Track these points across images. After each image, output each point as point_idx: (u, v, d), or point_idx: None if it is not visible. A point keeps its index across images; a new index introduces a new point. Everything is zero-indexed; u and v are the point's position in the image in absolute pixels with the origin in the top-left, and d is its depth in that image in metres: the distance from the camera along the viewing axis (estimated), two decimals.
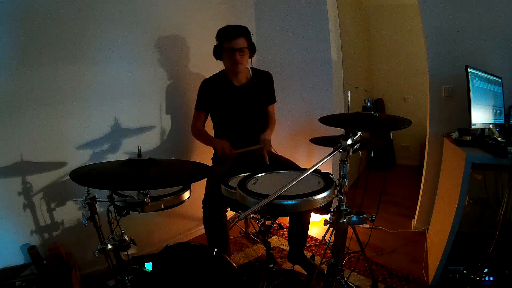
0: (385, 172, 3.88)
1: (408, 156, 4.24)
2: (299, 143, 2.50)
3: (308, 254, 1.85)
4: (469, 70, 1.61)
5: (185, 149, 2.23)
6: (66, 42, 1.61)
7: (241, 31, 1.71)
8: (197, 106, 1.85)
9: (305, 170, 0.97)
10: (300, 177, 0.90)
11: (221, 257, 1.16)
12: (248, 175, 1.30)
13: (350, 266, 1.84)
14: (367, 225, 1.75)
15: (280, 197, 0.95)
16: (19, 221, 1.56)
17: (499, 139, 1.46)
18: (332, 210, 1.18)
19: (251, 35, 1.76)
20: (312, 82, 2.43)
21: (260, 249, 2.10)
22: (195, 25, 2.17)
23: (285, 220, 2.35)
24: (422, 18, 2.03)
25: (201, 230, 2.33)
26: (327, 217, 1.20)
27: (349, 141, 1.05)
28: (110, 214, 1.13)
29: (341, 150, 1.06)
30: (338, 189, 1.15)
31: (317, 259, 1.86)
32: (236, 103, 1.81)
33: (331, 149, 1.05)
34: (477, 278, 1.45)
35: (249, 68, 1.88)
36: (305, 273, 1.75)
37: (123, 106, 1.87)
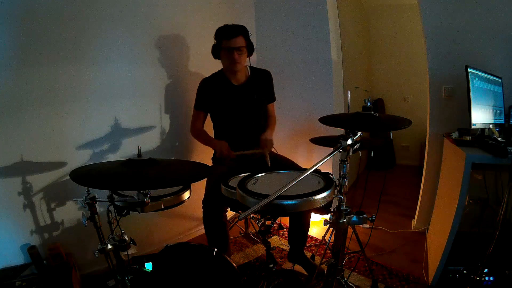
0: (385, 172, 3.88)
1: (408, 156, 4.24)
2: (299, 143, 2.50)
3: (308, 254, 1.85)
4: (469, 70, 1.61)
5: (185, 149, 2.23)
6: (66, 42, 1.61)
7: (240, 30, 1.71)
8: (196, 105, 1.85)
9: (305, 170, 0.97)
10: (300, 177, 0.90)
11: (221, 257, 1.16)
12: (248, 175, 1.30)
13: (350, 266, 1.84)
14: (367, 225, 1.76)
15: (280, 197, 0.95)
16: (19, 221, 1.56)
17: (499, 139, 1.46)
18: (332, 210, 1.18)
19: (250, 34, 1.76)
20: (312, 82, 2.43)
21: (260, 249, 2.10)
22: (195, 25, 2.17)
23: (285, 220, 2.36)
24: (422, 18, 2.03)
25: (201, 230, 2.33)
26: (327, 217, 1.20)
27: (349, 141, 1.05)
28: (110, 214, 1.13)
29: (341, 150, 1.06)
30: (338, 189, 1.14)
31: (317, 259, 1.86)
32: (234, 102, 1.81)
33: (331, 149, 1.05)
34: (477, 278, 1.45)
35: (248, 67, 1.88)
36: (305, 273, 1.75)
37: (123, 106, 1.87)
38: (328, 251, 1.60)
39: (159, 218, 2.08)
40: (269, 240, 1.49)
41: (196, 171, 1.13)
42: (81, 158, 1.72)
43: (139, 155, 1.09)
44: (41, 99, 1.57)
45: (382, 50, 4.21)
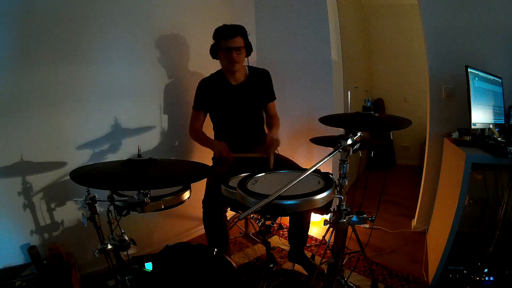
0: (385, 172, 3.88)
1: (408, 156, 4.24)
2: (299, 143, 2.50)
3: (308, 254, 1.85)
4: (469, 70, 1.61)
5: (185, 149, 2.23)
6: (66, 42, 1.61)
7: (238, 30, 1.71)
8: (195, 106, 1.85)
9: (305, 170, 0.97)
10: (300, 177, 0.90)
11: (221, 257, 1.16)
12: (248, 175, 1.30)
13: (350, 266, 1.84)
14: (367, 225, 1.75)
15: (280, 197, 0.95)
16: (19, 221, 1.56)
17: (499, 139, 1.46)
18: (332, 210, 1.18)
19: (248, 34, 1.76)
20: (312, 82, 2.43)
21: (260, 249, 2.10)
22: (195, 25, 2.17)
23: (285, 220, 2.36)
24: (422, 18, 2.03)
25: (201, 230, 2.33)
26: (327, 217, 1.20)
27: (349, 141, 1.05)
28: (110, 214, 1.13)
29: (341, 150, 1.06)
30: (338, 189, 1.14)
31: (317, 259, 1.86)
32: (233, 102, 1.81)
33: (331, 149, 1.05)
34: (477, 278, 1.45)
35: (246, 67, 1.88)
36: (305, 273, 1.75)
37: (123, 106, 1.87)
38: (328, 251, 1.60)
39: (159, 218, 2.08)
40: (269, 240, 1.49)
41: (196, 171, 1.13)
42: (81, 158, 1.72)
43: (139, 155, 1.09)
44: (41, 99, 1.57)
45: (382, 50, 4.21)
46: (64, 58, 1.62)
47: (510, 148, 1.29)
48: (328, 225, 1.19)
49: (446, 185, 1.83)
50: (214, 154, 1.80)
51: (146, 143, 1.99)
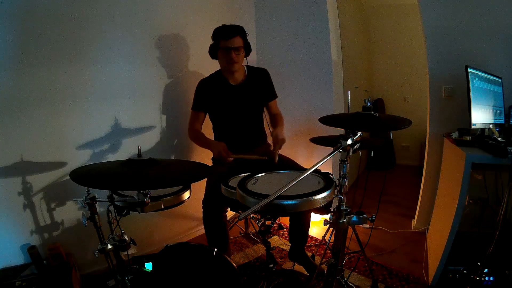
0: (385, 172, 3.88)
1: (408, 156, 4.24)
2: (299, 143, 2.50)
3: (308, 254, 1.85)
4: (469, 70, 1.61)
5: (185, 149, 2.23)
6: (66, 42, 1.61)
7: (237, 30, 1.71)
8: (194, 106, 1.84)
9: (305, 170, 0.97)
10: (300, 177, 0.90)
11: (221, 257, 1.16)
12: (248, 175, 1.30)
13: (350, 266, 1.84)
14: (367, 225, 1.75)
15: (280, 197, 0.95)
16: (19, 221, 1.56)
17: (499, 139, 1.46)
18: (332, 210, 1.18)
19: (247, 34, 1.76)
20: (312, 82, 2.43)
21: (260, 249, 2.10)
22: (195, 25, 2.17)
23: (285, 220, 2.36)
24: (422, 18, 2.03)
25: (201, 230, 2.33)
26: (327, 217, 1.20)
27: (349, 141, 1.05)
28: (110, 214, 1.13)
29: (341, 150, 1.06)
30: (338, 189, 1.14)
31: (317, 259, 1.86)
32: (232, 102, 1.81)
33: (331, 149, 1.05)
34: (477, 278, 1.45)
35: (245, 67, 1.88)
36: (305, 273, 1.75)
37: (123, 106, 1.87)
38: (328, 251, 1.60)
39: (159, 218, 2.08)
40: (269, 240, 1.49)
41: (196, 171, 1.13)
42: (81, 158, 1.72)
43: (139, 155, 1.09)
44: (41, 99, 1.57)
45: (382, 50, 4.21)
46: (64, 58, 1.62)
47: (510, 148, 1.29)
48: (328, 225, 1.19)
49: (446, 185, 1.83)
50: (213, 155, 1.80)
51: (146, 143, 1.99)
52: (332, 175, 1.22)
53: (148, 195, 1.02)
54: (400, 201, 2.90)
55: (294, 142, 2.52)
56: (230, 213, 1.91)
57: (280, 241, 2.20)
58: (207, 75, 1.87)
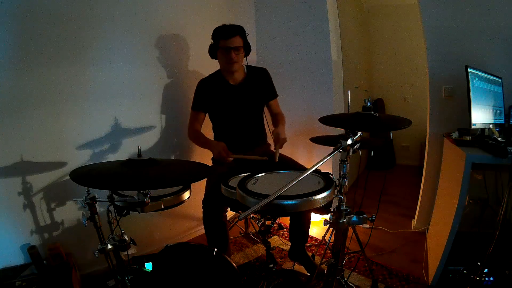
0: (385, 172, 3.88)
1: (408, 156, 4.24)
2: (299, 143, 2.50)
3: (308, 254, 1.85)
4: (469, 70, 1.61)
5: (185, 149, 2.23)
6: (66, 42, 1.61)
7: (237, 30, 1.71)
8: (194, 106, 1.84)
9: (305, 169, 0.97)
10: (300, 177, 0.90)
11: (221, 257, 1.16)
12: (248, 175, 1.30)
13: (350, 266, 1.84)
14: (367, 225, 1.75)
15: (280, 197, 0.95)
16: (19, 221, 1.56)
17: (499, 139, 1.46)
18: (332, 210, 1.18)
19: (247, 34, 1.76)
20: (312, 82, 2.43)
21: (260, 249, 2.10)
22: (195, 25, 2.17)
23: (285, 220, 2.36)
24: (422, 18, 2.03)
25: (201, 230, 2.33)
26: (327, 217, 1.20)
27: (349, 141, 1.05)
28: (110, 214, 1.13)
29: (341, 150, 1.06)
30: (338, 189, 1.14)
31: (317, 259, 1.86)
32: (232, 102, 1.81)
33: (331, 148, 1.05)
34: (477, 278, 1.45)
35: (244, 67, 1.88)
36: (305, 273, 1.75)
37: (123, 106, 1.87)
38: (328, 251, 1.60)
39: (159, 218, 2.08)
40: (269, 240, 1.49)
41: (196, 171, 1.13)
42: (81, 158, 1.72)
43: (139, 155, 1.09)
44: (41, 99, 1.57)
45: (382, 50, 4.21)
46: (64, 58, 1.62)
47: (510, 148, 1.29)
48: (328, 225, 1.19)
49: (446, 185, 1.83)
50: (213, 155, 1.80)
51: (146, 143, 1.99)
52: (332, 175, 1.22)
53: (148, 195, 1.02)
54: (400, 201, 2.90)
55: (294, 142, 2.52)
56: (230, 213, 1.91)
57: (280, 241, 2.20)
58: (207, 75, 1.87)
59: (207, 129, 1.92)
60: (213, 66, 1.85)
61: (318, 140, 1.61)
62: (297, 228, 1.79)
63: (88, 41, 1.69)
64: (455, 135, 1.72)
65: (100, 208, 1.12)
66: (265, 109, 1.97)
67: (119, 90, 1.84)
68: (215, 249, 1.17)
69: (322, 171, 1.25)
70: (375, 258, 1.96)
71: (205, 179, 1.69)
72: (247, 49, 1.79)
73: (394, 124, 1.26)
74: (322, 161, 0.95)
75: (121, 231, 1.14)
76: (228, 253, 1.66)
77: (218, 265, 1.14)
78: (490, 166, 1.58)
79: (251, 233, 2.29)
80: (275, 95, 1.95)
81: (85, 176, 1.02)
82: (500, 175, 1.77)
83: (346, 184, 1.15)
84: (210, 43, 1.78)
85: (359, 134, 1.10)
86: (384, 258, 1.97)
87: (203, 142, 1.78)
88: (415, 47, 3.76)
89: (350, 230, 1.40)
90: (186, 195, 1.29)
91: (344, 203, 1.14)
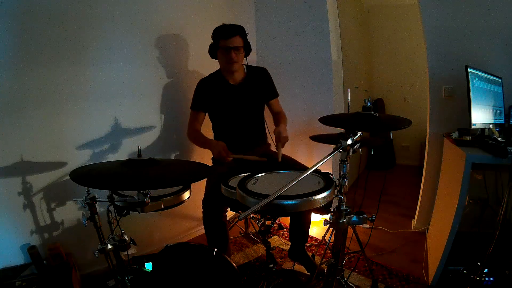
0: (385, 172, 3.88)
1: (408, 156, 4.24)
2: (299, 143, 2.50)
3: (308, 254, 1.85)
4: (469, 70, 1.61)
5: (185, 149, 2.23)
6: (66, 42, 1.61)
7: (237, 30, 1.71)
8: (194, 106, 1.84)
9: (305, 169, 0.97)
10: (300, 177, 0.90)
11: (221, 257, 1.16)
12: (248, 175, 1.30)
13: (350, 266, 1.84)
14: (367, 225, 1.75)
15: (280, 197, 0.95)
16: (19, 221, 1.56)
17: (499, 139, 1.46)
18: (332, 210, 1.18)
19: (247, 34, 1.76)
20: (312, 82, 2.43)
21: (260, 249, 2.10)
22: (195, 25, 2.17)
23: (285, 220, 2.36)
24: (422, 18, 2.03)
25: (201, 230, 2.33)
26: (327, 217, 1.20)
27: (349, 141, 1.05)
28: (110, 214, 1.13)
29: (341, 150, 1.06)
30: (338, 189, 1.14)
31: (317, 259, 1.86)
32: (232, 102, 1.81)
33: (331, 148, 1.05)
34: (477, 278, 1.44)
35: (244, 66, 1.88)
36: (306, 273, 1.75)
37: (123, 106, 1.87)
38: (328, 251, 1.60)
39: (159, 218, 2.08)
40: (269, 240, 1.49)
41: (196, 171, 1.13)
42: (81, 158, 1.72)
43: (139, 155, 1.09)
44: (41, 99, 1.57)
45: (382, 50, 4.21)
46: (64, 58, 1.62)
47: (510, 148, 1.29)
48: (328, 225, 1.19)
49: (446, 185, 1.83)
50: (213, 155, 1.80)
51: (146, 143, 1.99)
52: (332, 175, 1.22)
53: (148, 195, 1.02)
54: (400, 201, 2.90)
55: (294, 142, 2.52)
56: (230, 213, 1.91)
57: (280, 241, 2.20)
58: (207, 75, 1.87)
59: (207, 129, 1.92)
60: (213, 66, 1.85)
61: (319, 139, 1.60)
62: (297, 228, 1.79)
63: (88, 41, 1.69)
64: (455, 135, 1.72)
65: (100, 208, 1.12)
66: (266, 109, 1.97)
67: (119, 90, 1.84)
68: (215, 249, 1.17)
69: (322, 171, 1.25)
70: (375, 258, 1.96)
71: (205, 179, 1.69)
72: (247, 49, 1.79)
73: (394, 124, 1.26)
74: (322, 161, 0.95)
75: (121, 231, 1.14)
76: (228, 253, 1.66)
77: (218, 265, 1.14)
78: (490, 166, 1.58)
79: (251, 233, 2.29)
80: (275, 94, 1.95)
81: (85, 176, 1.02)
82: (500, 175, 1.77)
83: (346, 184, 1.15)
84: (210, 43, 1.78)
85: (359, 134, 1.10)
86: (384, 258, 1.97)
87: (202, 142, 1.78)
88: (415, 47, 3.76)
89: (350, 230, 1.40)
90: (186, 195, 1.29)
91: (344, 203, 1.14)
